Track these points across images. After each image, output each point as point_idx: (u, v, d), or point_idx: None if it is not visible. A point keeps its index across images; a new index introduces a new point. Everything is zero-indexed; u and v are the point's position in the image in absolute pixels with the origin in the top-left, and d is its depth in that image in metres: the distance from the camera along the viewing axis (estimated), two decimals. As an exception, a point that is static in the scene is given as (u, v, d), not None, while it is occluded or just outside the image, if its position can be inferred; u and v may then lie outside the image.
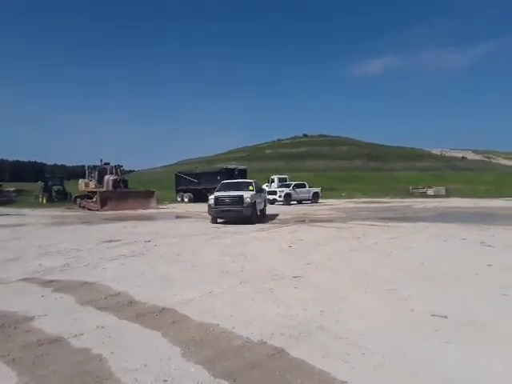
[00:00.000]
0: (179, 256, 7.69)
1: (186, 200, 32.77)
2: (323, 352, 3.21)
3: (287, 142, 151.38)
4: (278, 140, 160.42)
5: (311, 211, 21.26)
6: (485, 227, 12.08)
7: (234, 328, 3.76)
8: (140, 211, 21.52)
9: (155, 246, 8.95)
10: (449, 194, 39.95)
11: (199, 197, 32.61)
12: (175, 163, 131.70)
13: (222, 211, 14.08)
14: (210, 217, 14.65)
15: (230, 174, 30.76)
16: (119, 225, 14.37)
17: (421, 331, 3.63)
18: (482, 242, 8.98)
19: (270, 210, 23.95)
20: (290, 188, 29.13)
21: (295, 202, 29.35)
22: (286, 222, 14.75)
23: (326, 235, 10.83)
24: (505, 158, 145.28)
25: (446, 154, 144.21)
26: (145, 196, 24.67)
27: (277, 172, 46.42)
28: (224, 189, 15.21)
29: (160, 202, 27.51)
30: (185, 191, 33.59)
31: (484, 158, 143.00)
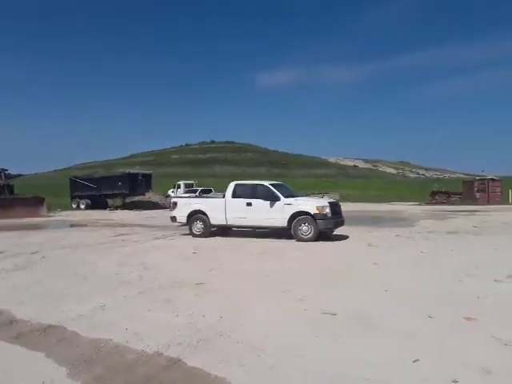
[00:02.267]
0: (70, 268, 7.07)
1: (82, 207, 30.40)
2: (221, 358, 3.22)
3: (195, 147, 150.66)
4: (186, 145, 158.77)
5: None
6: (372, 229, 13.38)
7: (127, 342, 3.57)
8: (28, 220, 19.38)
9: (43, 258, 8.12)
10: (342, 199, 43.41)
11: (98, 203, 30.55)
12: (70, 167, 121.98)
13: (337, 222, 10.93)
14: (310, 231, 10.34)
15: (133, 179, 29.44)
16: (1, 235, 12.76)
17: (313, 329, 3.85)
18: (369, 243, 9.91)
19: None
20: (197, 194, 28.93)
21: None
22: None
23: (229, 240, 10.96)
24: (390, 166, 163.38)
25: (341, 163, 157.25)
26: (33, 203, 22.26)
27: (184, 177, 45.69)
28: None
29: (52, 209, 25.17)
30: (81, 197, 31.13)
31: (372, 167, 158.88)
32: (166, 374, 2.98)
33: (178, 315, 4.32)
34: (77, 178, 33.57)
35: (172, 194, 32.51)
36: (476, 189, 36.72)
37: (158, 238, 11.49)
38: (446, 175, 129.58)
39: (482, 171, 48.83)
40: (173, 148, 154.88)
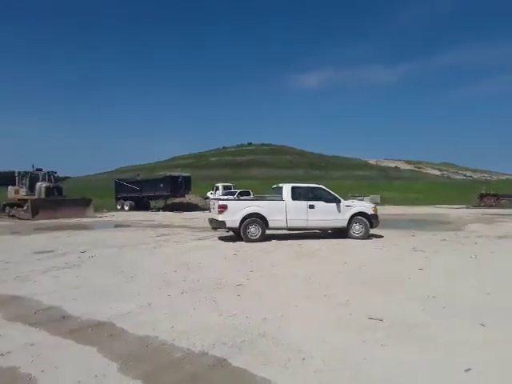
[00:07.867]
0: (117, 267, 7.35)
1: (126, 208, 31.57)
2: (265, 359, 3.22)
3: (232, 149, 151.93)
4: (223, 148, 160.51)
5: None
6: (416, 233, 12.91)
7: (174, 340, 3.65)
8: (76, 220, 20.37)
9: (91, 257, 8.49)
10: (383, 201, 42.26)
11: (140, 205, 31.63)
12: (115, 170, 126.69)
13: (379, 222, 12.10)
14: (362, 230, 11.35)
15: (174, 181, 30.18)
16: (52, 235, 13.47)
17: (359, 334, 3.76)
18: (413, 248, 9.58)
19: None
20: (235, 196, 29.25)
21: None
22: (230, 230, 14.68)
23: (267, 242, 10.96)
24: (433, 168, 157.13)
25: (381, 164, 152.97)
26: (81, 204, 23.39)
27: (222, 180, 46.31)
28: None
29: (98, 210, 26.30)
30: (125, 199, 32.35)
31: (415, 168, 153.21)
32: (211, 373, 3.01)
33: (221, 315, 4.36)
34: (122, 180, 34.94)
35: (211, 196, 33.07)
36: (529, 191, 34.58)
37: (199, 239, 11.71)
38: (495, 177, 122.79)
39: (536, 172, 45.91)
40: (211, 151, 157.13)
